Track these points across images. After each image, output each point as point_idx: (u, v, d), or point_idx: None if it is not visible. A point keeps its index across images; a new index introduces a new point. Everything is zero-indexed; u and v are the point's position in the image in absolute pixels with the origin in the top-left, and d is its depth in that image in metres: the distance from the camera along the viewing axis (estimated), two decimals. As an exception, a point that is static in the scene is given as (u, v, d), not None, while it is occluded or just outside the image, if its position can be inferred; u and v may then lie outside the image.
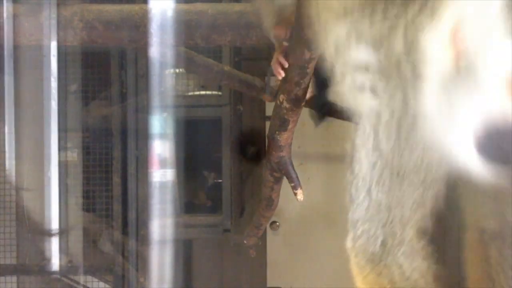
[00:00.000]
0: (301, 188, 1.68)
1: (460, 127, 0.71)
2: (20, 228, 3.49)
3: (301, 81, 1.32)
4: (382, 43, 0.78)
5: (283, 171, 1.68)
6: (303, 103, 1.43)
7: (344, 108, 0.90)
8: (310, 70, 1.30)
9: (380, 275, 0.91)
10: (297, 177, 1.68)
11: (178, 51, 2.20)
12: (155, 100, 3.14)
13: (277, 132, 1.54)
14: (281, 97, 1.41)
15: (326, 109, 2.02)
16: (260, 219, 2.27)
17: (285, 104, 1.41)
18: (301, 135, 4.44)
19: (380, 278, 0.91)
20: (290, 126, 1.50)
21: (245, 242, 2.69)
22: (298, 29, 1.19)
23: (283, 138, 1.56)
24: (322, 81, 1.51)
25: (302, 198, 1.69)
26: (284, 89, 1.38)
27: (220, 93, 3.60)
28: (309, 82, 1.36)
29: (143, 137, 3.30)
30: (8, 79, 3.09)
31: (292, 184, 1.68)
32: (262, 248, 4.34)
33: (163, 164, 2.99)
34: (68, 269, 3.57)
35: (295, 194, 1.69)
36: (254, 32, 1.83)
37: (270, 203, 1.99)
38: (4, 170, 3.43)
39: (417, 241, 0.88)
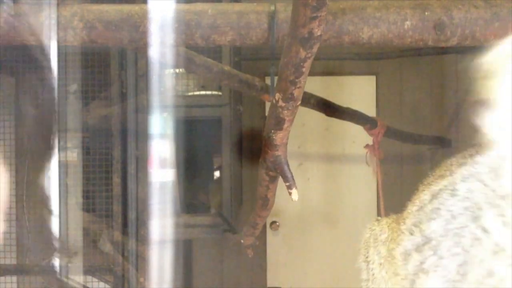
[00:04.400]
0: (296, 188, 1.67)
1: None
2: (20, 228, 3.49)
3: (297, 80, 1.31)
4: None
5: (278, 170, 1.67)
6: (298, 103, 1.42)
7: None
8: (305, 69, 1.28)
9: None
10: (292, 176, 1.67)
11: (178, 51, 2.20)
12: (155, 100, 3.14)
13: (272, 131, 1.53)
14: (277, 95, 1.40)
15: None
16: (256, 219, 2.27)
17: (281, 103, 1.40)
18: (301, 135, 4.46)
19: None
20: (285, 125, 1.49)
21: (242, 241, 2.69)
22: (293, 28, 1.19)
23: (278, 137, 1.54)
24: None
25: (296, 198, 1.68)
26: (280, 88, 1.37)
27: (220, 93, 3.60)
28: (305, 81, 1.35)
29: (143, 137, 3.30)
30: (8, 79, 3.09)
31: (287, 184, 1.67)
32: (262, 248, 4.34)
33: (163, 164, 2.98)
34: (68, 269, 3.57)
35: (290, 193, 1.68)
36: (254, 32, 1.83)
37: (266, 203, 1.98)
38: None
39: None
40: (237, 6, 1.88)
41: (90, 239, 3.52)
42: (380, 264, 1.42)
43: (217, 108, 3.57)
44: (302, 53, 1.22)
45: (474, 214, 0.72)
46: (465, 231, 0.72)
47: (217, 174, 3.92)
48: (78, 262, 3.51)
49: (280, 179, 1.76)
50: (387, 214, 1.43)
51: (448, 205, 0.75)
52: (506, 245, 0.68)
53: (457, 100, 4.24)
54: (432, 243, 0.77)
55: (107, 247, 3.53)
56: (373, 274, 1.44)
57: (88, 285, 3.57)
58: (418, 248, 0.82)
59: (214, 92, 3.63)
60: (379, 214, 3.99)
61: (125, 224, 3.46)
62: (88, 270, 3.50)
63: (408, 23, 1.80)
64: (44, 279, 3.48)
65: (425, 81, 4.44)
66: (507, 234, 0.69)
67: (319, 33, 1.16)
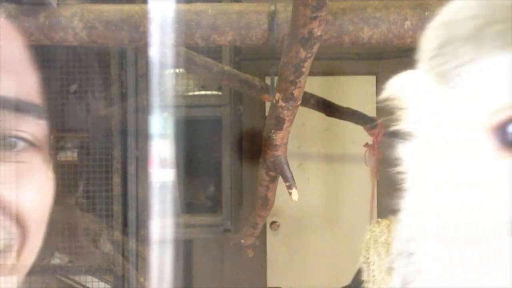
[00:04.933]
0: (295, 188, 1.68)
1: None
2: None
3: (297, 80, 1.32)
4: None
5: (279, 170, 1.68)
6: (299, 103, 1.43)
7: None
8: (305, 69, 1.29)
9: None
10: (292, 176, 1.68)
11: (178, 51, 2.20)
12: (155, 100, 3.14)
13: (272, 131, 1.54)
14: (277, 95, 1.41)
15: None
16: (256, 218, 2.28)
17: (281, 103, 1.41)
18: (301, 135, 4.45)
19: None
20: (285, 125, 1.50)
21: (242, 241, 2.69)
22: (293, 28, 1.19)
23: (278, 137, 1.55)
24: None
25: (296, 198, 1.69)
26: (280, 88, 1.38)
27: (220, 93, 3.60)
28: (305, 81, 1.35)
29: (143, 137, 3.30)
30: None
31: (287, 184, 1.69)
32: (262, 248, 4.34)
33: (163, 164, 2.98)
34: (68, 269, 3.57)
35: (290, 193, 1.69)
36: (254, 32, 1.83)
37: (266, 202, 1.99)
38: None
39: None
40: (237, 6, 1.88)
41: (90, 239, 3.52)
42: (380, 265, 1.42)
43: (217, 108, 3.57)
44: (302, 53, 1.23)
45: (408, 237, 0.77)
46: (403, 252, 0.77)
47: (217, 174, 3.91)
48: (78, 262, 3.51)
49: (280, 179, 1.77)
50: (383, 215, 1.44)
51: (398, 228, 0.80)
52: (427, 265, 0.73)
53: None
54: (394, 262, 0.81)
55: (107, 247, 3.54)
56: (373, 276, 1.44)
57: (88, 285, 3.57)
58: (390, 265, 0.86)
59: (214, 92, 3.63)
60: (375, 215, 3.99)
61: (125, 224, 3.46)
62: (88, 270, 3.50)
63: (408, 23, 1.80)
64: (44, 279, 3.48)
65: (425, 81, 4.45)
66: (429, 254, 0.73)
67: (319, 33, 1.17)
